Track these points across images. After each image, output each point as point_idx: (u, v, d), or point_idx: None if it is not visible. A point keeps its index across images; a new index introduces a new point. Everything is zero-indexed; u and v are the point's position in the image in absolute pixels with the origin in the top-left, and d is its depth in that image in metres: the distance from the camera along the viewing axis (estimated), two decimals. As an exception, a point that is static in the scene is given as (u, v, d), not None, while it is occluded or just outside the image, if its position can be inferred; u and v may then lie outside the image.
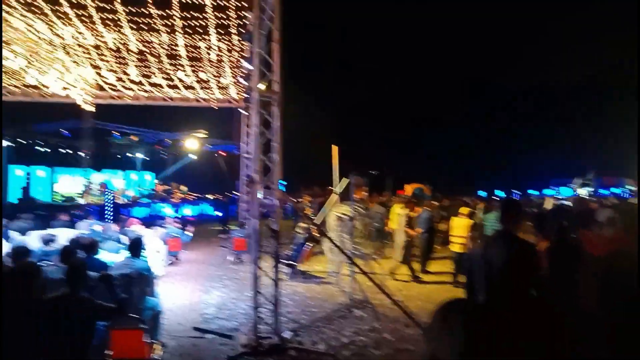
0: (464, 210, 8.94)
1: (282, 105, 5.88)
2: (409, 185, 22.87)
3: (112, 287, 3.59)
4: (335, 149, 8.92)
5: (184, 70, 11.85)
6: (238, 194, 23.11)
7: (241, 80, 11.35)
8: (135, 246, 4.95)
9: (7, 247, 6.56)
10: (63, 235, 6.94)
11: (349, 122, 33.71)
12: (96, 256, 5.18)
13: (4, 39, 9.01)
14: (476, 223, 8.68)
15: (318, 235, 10.02)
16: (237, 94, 14.90)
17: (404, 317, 6.26)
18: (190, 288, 8.28)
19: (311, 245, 9.67)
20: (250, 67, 9.46)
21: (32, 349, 2.90)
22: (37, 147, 24.07)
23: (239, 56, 10.86)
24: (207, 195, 26.19)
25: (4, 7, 8.04)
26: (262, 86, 5.92)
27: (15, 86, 13.37)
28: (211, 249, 13.04)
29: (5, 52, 9.25)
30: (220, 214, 21.53)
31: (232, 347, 5.29)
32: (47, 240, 6.12)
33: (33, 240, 7.00)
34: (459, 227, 8.69)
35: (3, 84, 13.00)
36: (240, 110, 14.95)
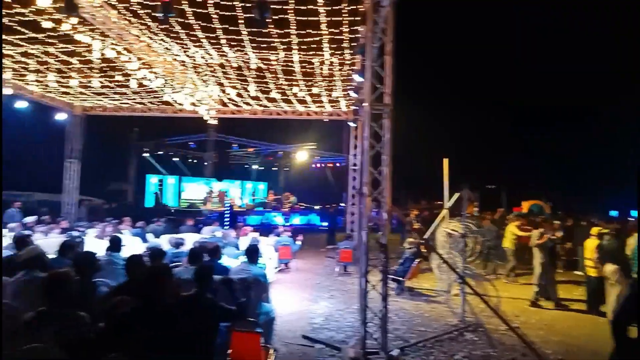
0: (594, 230, 8.03)
1: (393, 117, 5.81)
2: (526, 202, 21.13)
3: (233, 290, 3.81)
4: (446, 162, 8.59)
5: (298, 85, 12.38)
6: (344, 205, 23.45)
7: (351, 93, 11.50)
8: (253, 253, 5.22)
9: (143, 248, 7.40)
10: (190, 239, 7.62)
11: (461, 132, 31.93)
12: (218, 261, 5.57)
13: (146, 62, 10.29)
14: (602, 244, 7.70)
15: (426, 251, 9.68)
16: (347, 106, 15.15)
17: (522, 345, 5.74)
18: (299, 296, 8.52)
19: (419, 261, 9.35)
20: (361, 80, 9.57)
21: (165, 342, 3.16)
22: (171, 159, 26.90)
23: (349, 70, 11.06)
24: (314, 206, 26.93)
25: (149, 34, 9.18)
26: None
27: (152, 103, 15.15)
28: (318, 259, 13.31)
29: (147, 74, 10.54)
30: (326, 225, 21.99)
31: (339, 359, 5.30)
32: (177, 244, 6.76)
33: (164, 242, 7.81)
34: (592, 249, 7.79)
35: (144, 101, 14.81)
36: (349, 123, 15.14)
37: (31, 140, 20.99)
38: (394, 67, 5.87)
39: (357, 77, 9.56)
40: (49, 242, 7.00)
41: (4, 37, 8.91)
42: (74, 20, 7.93)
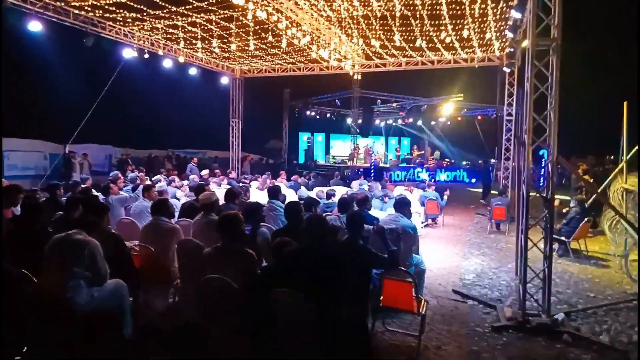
0: None
1: (561, 54, 5.05)
2: None
3: (385, 239, 3.83)
4: (626, 105, 7.31)
5: (446, 30, 11.55)
6: (494, 161, 21.80)
7: (507, 32, 10.29)
8: (403, 205, 5.16)
9: (295, 197, 7.92)
10: (339, 192, 7.92)
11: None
12: (367, 211, 5.66)
13: (295, 20, 10.60)
14: None
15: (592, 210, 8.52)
16: (500, 50, 13.76)
17: None
18: (448, 251, 8.29)
19: (587, 220, 8.24)
20: (519, 16, 8.47)
21: (321, 283, 3.29)
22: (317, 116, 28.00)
23: (505, 6, 9.91)
24: (462, 162, 25.65)
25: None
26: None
27: (301, 62, 15.76)
28: (467, 215, 12.75)
29: (296, 32, 10.89)
30: (474, 181, 20.82)
31: (495, 318, 5.03)
32: (329, 195, 7.08)
33: (315, 195, 8.25)
34: None
35: (294, 60, 15.46)
36: (504, 69, 13.73)
37: (203, 104, 23.81)
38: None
39: (515, 13, 8.47)
40: (221, 191, 7.95)
41: (174, 8, 10.13)
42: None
